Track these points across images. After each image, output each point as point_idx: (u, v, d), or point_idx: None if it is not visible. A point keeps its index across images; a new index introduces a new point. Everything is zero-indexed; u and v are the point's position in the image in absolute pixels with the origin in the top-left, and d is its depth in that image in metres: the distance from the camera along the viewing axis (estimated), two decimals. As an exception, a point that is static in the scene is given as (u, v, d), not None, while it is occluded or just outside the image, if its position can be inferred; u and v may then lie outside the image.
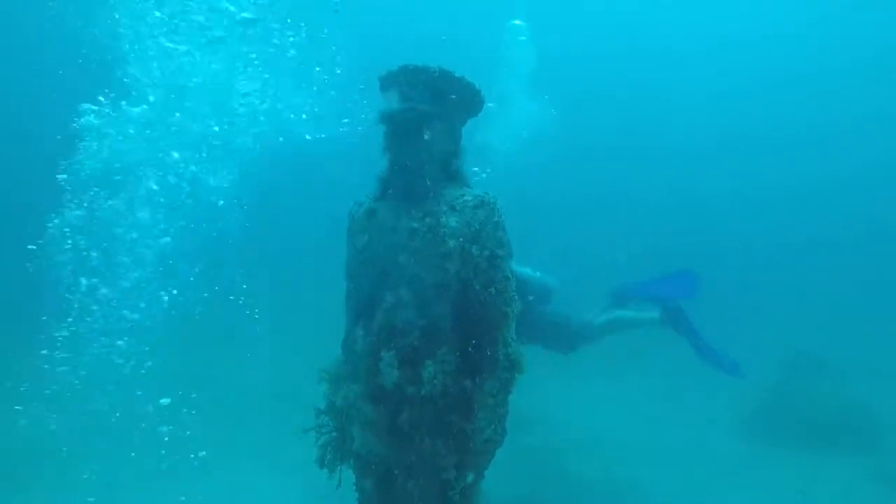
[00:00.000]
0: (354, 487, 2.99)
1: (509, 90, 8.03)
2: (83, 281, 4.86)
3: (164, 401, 5.31)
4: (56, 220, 4.86)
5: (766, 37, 19.08)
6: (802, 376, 8.73)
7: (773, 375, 8.92)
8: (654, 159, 19.49)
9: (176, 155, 5.05)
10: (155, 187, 5.04)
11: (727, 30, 19.34)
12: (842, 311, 14.09)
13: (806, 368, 8.88)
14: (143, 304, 5.10)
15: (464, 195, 2.86)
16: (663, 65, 19.95)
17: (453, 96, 2.82)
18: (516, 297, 2.88)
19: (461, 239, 2.76)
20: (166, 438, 5.33)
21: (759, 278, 16.52)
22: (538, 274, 5.13)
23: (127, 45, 4.88)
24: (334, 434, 2.97)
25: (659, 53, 19.74)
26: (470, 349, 2.80)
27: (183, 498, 5.28)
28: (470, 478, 2.84)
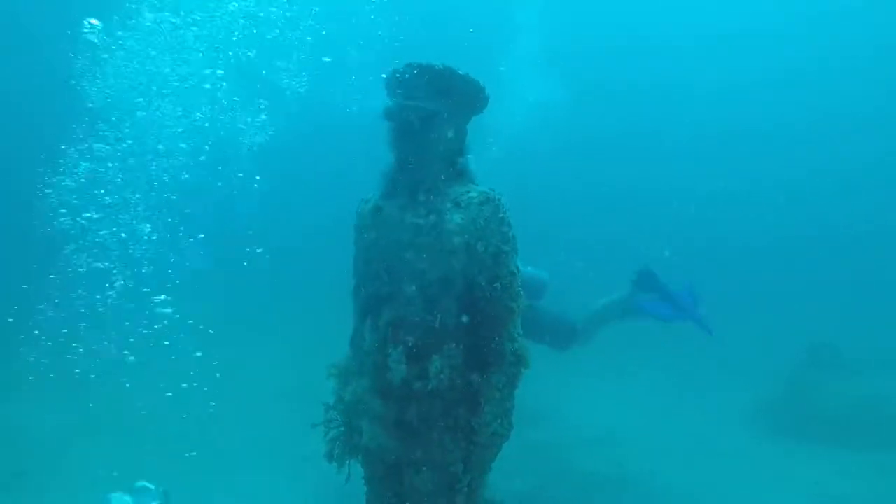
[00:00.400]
0: (363, 481, 3.04)
1: (520, 55, 7.96)
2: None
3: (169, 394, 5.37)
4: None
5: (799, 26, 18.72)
6: (818, 370, 8.64)
7: (788, 368, 8.85)
8: (668, 152, 19.33)
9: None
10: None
11: (747, 19, 19.04)
12: (858, 303, 13.92)
13: (822, 361, 8.79)
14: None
15: (469, 192, 2.89)
16: (678, 55, 19.69)
17: (455, 95, 2.85)
18: (522, 293, 2.91)
19: (466, 235, 2.80)
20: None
21: (775, 271, 16.37)
22: (529, 268, 5.12)
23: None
24: (343, 429, 3.02)
25: (676, 42, 19.47)
26: (476, 344, 2.84)
27: (194, 495, 5.34)
28: (476, 472, 2.88)
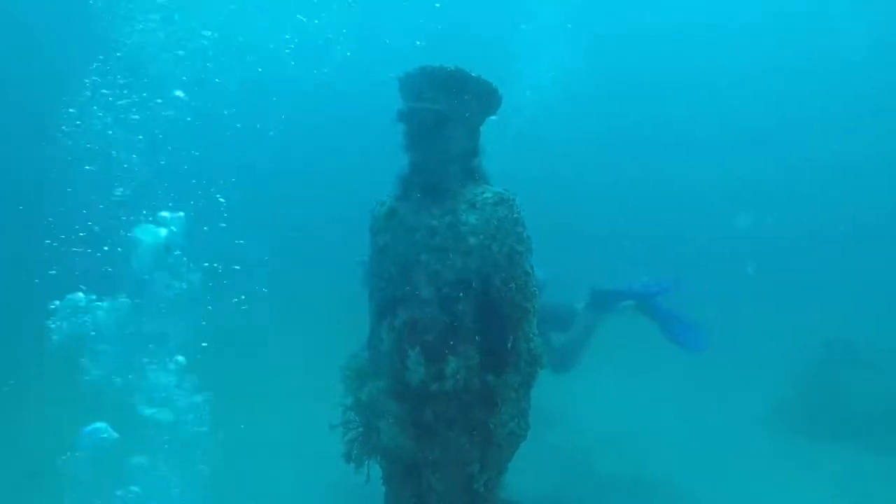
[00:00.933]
0: (381, 481, 3.05)
1: (537, 33, 7.92)
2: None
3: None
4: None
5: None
6: (838, 366, 8.48)
7: (804, 366, 8.72)
8: (681, 145, 19.08)
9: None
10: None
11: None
12: (879, 297, 13.68)
13: (842, 358, 8.63)
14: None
15: (483, 192, 2.91)
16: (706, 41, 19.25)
17: (468, 96, 2.86)
18: (537, 292, 2.91)
19: (481, 236, 2.80)
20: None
21: (793, 266, 16.18)
22: None
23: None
24: (361, 430, 3.03)
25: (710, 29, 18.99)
26: (492, 344, 2.84)
27: (209, 497, 5.36)
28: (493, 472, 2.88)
